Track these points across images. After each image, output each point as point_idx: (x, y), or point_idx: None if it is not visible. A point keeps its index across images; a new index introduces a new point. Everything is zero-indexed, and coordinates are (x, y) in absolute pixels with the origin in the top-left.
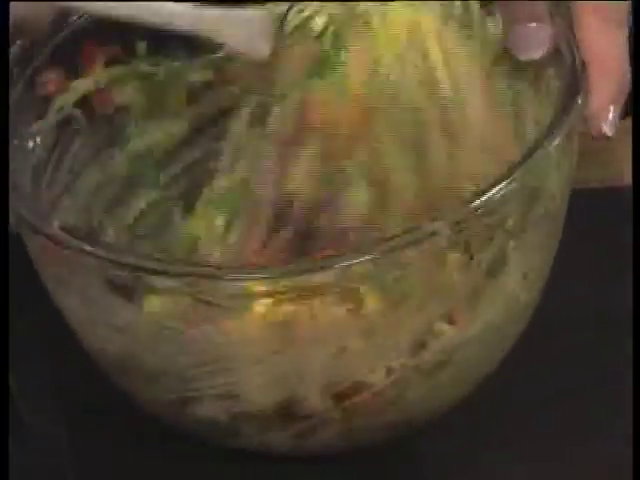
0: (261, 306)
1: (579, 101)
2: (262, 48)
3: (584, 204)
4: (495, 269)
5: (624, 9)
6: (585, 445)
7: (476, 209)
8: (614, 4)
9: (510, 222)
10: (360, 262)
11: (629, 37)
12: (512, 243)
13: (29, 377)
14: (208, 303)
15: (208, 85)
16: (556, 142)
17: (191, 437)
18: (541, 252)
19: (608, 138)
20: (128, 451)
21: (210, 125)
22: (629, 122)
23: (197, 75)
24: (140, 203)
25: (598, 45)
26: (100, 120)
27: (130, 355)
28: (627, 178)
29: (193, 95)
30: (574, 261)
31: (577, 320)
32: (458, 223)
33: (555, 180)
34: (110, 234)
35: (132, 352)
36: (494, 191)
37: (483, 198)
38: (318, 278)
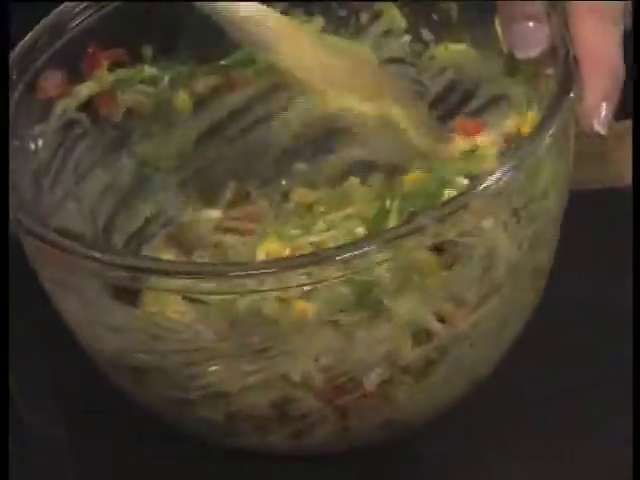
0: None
1: (571, 95)
2: None
3: (584, 205)
4: (486, 267)
5: (620, 7)
6: (585, 445)
7: (464, 205)
8: (610, 2)
9: (501, 218)
10: (357, 255)
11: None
12: (504, 240)
13: (29, 377)
14: (200, 302)
15: (215, 90)
16: (548, 137)
17: (190, 437)
18: (537, 251)
19: (601, 136)
20: (128, 451)
21: (219, 130)
22: (629, 123)
23: (203, 81)
24: (146, 209)
25: (593, 43)
26: (105, 123)
27: (126, 355)
28: (627, 179)
29: (201, 100)
30: (574, 262)
31: (577, 320)
32: (445, 219)
33: (549, 176)
34: (115, 239)
35: (128, 352)
36: (483, 186)
37: (472, 192)
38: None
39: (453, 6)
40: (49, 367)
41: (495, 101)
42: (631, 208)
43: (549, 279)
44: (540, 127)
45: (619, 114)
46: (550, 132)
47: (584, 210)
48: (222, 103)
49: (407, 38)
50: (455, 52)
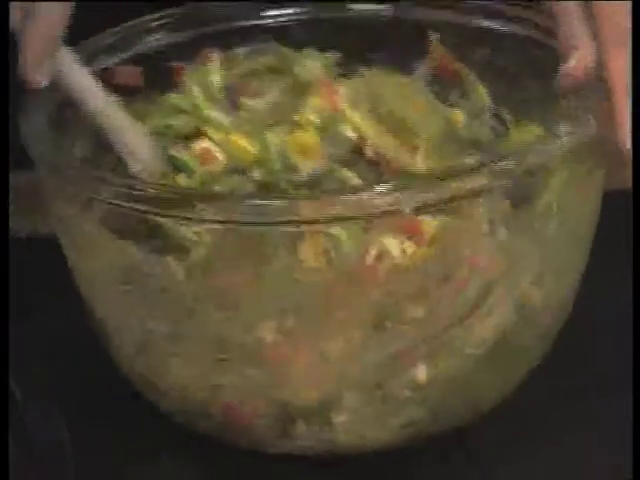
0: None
1: (590, 119)
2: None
3: None
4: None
5: (626, 27)
6: (585, 445)
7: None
8: (621, 25)
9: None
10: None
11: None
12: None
13: (29, 377)
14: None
15: None
16: (557, 143)
17: (190, 437)
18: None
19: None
20: (128, 451)
21: None
22: None
23: None
24: None
25: (619, 69)
26: None
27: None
28: (628, 182)
29: None
30: None
31: (577, 320)
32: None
33: (557, 188)
34: None
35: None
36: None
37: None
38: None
39: (532, 84)
40: (49, 368)
41: None
42: (631, 208)
43: None
44: (550, 132)
45: None
46: (561, 140)
47: None
48: None
49: (489, 118)
50: (528, 133)
